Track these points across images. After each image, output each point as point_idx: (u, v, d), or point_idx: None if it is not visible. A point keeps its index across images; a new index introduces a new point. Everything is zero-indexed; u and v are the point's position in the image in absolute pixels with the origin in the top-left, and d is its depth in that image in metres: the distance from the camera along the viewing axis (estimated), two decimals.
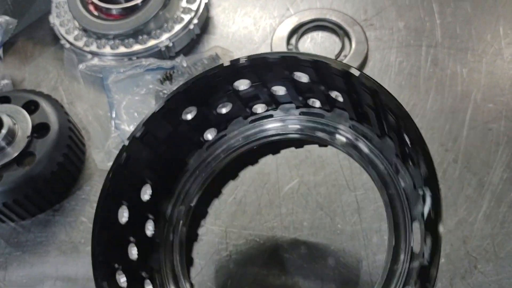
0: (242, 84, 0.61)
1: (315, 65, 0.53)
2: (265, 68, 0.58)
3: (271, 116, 0.66)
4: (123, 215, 0.60)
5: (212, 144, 0.67)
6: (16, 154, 0.74)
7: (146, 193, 0.63)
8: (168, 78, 0.85)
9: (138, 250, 0.60)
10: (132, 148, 0.60)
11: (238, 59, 0.58)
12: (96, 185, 0.83)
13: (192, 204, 0.65)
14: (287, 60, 0.55)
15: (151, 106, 0.84)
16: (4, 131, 0.74)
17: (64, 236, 0.79)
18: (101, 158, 0.80)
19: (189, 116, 0.64)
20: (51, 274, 0.75)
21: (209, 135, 0.67)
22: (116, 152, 0.81)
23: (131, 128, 0.83)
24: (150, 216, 0.63)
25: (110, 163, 0.79)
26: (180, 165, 0.66)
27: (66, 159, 0.79)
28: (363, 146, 0.59)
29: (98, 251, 0.57)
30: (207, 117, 0.64)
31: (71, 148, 0.80)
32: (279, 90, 0.62)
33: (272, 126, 0.66)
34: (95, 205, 0.81)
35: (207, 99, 0.63)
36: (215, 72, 0.59)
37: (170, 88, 0.84)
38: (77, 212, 0.81)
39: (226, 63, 0.58)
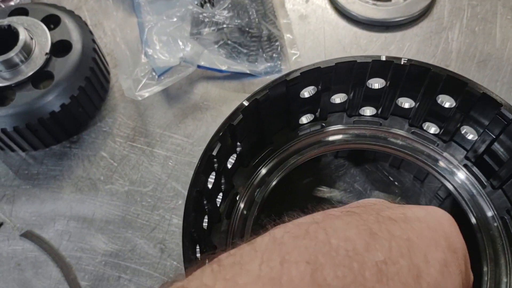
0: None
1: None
2: None
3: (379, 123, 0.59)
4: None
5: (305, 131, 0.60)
6: (31, 73, 0.64)
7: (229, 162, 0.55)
8: (209, 0, 0.73)
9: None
10: (248, 110, 0.51)
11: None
12: (120, 117, 0.73)
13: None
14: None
15: (187, 32, 0.72)
16: (19, 45, 0.63)
17: (82, 171, 0.69)
18: (128, 85, 0.69)
19: (305, 94, 0.56)
20: (64, 212, 0.66)
21: (304, 118, 0.59)
22: (145, 80, 0.71)
23: (163, 56, 0.72)
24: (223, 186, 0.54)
25: (138, 92, 0.69)
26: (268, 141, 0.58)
27: (88, 84, 0.68)
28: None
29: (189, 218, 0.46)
30: (319, 100, 0.55)
31: (94, 72, 0.70)
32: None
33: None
34: (118, 139, 0.72)
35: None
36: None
37: (210, 12, 0.72)
38: (97, 146, 0.71)
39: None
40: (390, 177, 0.66)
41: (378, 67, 0.52)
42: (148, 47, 0.73)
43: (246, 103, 0.49)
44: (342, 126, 0.58)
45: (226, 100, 0.74)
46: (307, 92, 0.55)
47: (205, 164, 0.46)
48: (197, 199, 0.45)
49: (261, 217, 0.60)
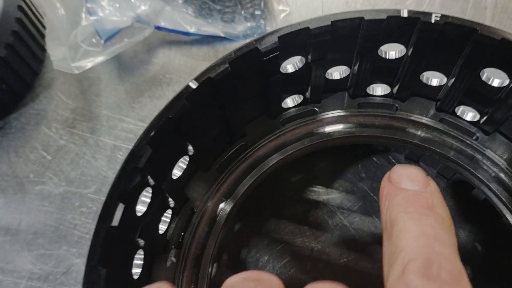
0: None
1: None
2: None
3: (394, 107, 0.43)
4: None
5: (290, 118, 0.43)
6: None
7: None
8: None
9: None
10: (197, 96, 0.34)
11: None
12: (57, 96, 0.56)
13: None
14: None
15: None
16: None
17: (6, 167, 0.53)
18: (63, 54, 0.53)
19: (289, 68, 0.38)
20: None
21: (290, 101, 0.43)
22: (86, 47, 0.54)
23: (111, 14, 0.55)
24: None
25: (76, 63, 0.53)
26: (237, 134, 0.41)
27: (11, 53, 0.52)
28: None
29: None
30: (309, 75, 0.38)
31: (20, 38, 0.53)
32: None
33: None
34: (54, 125, 0.55)
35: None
36: None
37: None
38: (27, 134, 0.55)
39: None
40: None
41: (396, 27, 0.35)
42: (91, 1, 0.55)
43: (193, 85, 0.32)
44: (342, 112, 0.41)
45: (194, 72, 0.57)
46: (291, 65, 0.38)
47: (124, 183, 0.29)
48: (113, 240, 0.29)
49: (228, 239, 0.44)
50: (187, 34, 0.57)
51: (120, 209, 0.29)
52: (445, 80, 0.39)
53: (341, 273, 0.47)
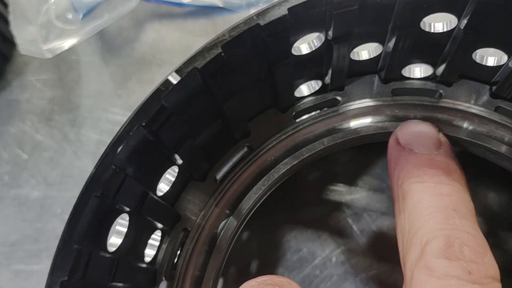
0: None
1: None
2: None
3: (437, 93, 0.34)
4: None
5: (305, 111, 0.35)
6: None
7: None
8: None
9: None
10: (180, 94, 0.26)
11: None
12: (32, 83, 0.48)
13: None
14: None
15: None
16: None
17: None
18: (31, 35, 0.44)
19: (303, 48, 0.30)
20: None
21: (305, 88, 0.35)
22: (60, 25, 0.46)
23: None
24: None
25: (49, 45, 0.45)
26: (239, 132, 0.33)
27: None
28: None
29: None
30: (330, 56, 0.30)
31: None
32: None
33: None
34: (29, 117, 0.47)
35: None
36: None
37: None
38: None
39: None
40: None
41: None
42: None
43: (174, 80, 0.24)
44: (372, 101, 0.33)
45: (190, 50, 0.48)
46: (305, 45, 0.29)
47: (84, 220, 0.22)
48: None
49: (235, 249, 0.36)
50: (180, 5, 0.48)
51: (80, 255, 0.21)
52: (505, 58, 0.30)
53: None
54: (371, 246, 0.42)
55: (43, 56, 0.44)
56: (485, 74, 0.32)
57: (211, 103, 0.27)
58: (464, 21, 0.27)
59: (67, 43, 0.45)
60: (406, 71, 0.33)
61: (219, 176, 0.32)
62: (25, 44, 0.43)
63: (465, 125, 0.32)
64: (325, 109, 0.33)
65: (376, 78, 0.34)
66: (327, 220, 0.42)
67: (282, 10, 0.25)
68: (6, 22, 0.48)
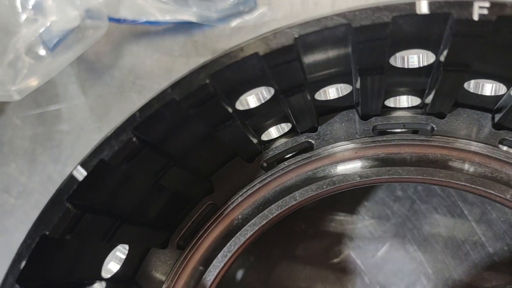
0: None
1: None
2: None
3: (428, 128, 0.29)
4: None
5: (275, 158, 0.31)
6: None
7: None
8: None
9: None
10: (88, 187, 0.23)
11: None
12: (13, 121, 0.46)
13: None
14: None
15: None
16: None
17: None
18: None
19: (251, 101, 0.26)
20: None
21: (274, 131, 0.30)
22: (30, 61, 0.44)
23: (57, 14, 0.43)
24: None
25: (20, 84, 0.42)
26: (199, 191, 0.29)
27: None
28: None
29: None
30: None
31: None
32: None
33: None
34: (13, 160, 0.46)
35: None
36: None
37: None
38: None
39: None
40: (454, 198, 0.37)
41: (411, 30, 0.20)
42: (32, 1, 0.43)
43: (80, 176, 0.20)
44: (349, 144, 0.28)
45: (170, 73, 0.44)
46: (253, 97, 0.24)
47: None
48: None
49: None
50: (155, 23, 0.44)
51: None
52: (504, 89, 0.24)
53: None
54: (379, 284, 0.38)
55: (12, 98, 0.41)
56: (484, 101, 0.26)
57: (143, 184, 0.23)
58: (444, 54, 0.21)
59: (38, 80, 0.42)
60: (391, 102, 0.28)
61: (181, 241, 0.28)
62: None
63: (465, 166, 0.26)
64: (297, 156, 0.29)
65: (354, 114, 0.28)
66: (328, 254, 0.38)
67: (204, 76, 0.20)
68: None
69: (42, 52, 0.43)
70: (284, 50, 0.20)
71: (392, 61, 0.23)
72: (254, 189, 0.29)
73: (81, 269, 0.23)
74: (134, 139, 0.21)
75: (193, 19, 0.42)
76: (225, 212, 0.28)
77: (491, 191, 0.25)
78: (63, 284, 0.23)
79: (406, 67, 0.23)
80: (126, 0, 0.43)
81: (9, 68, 0.42)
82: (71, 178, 0.21)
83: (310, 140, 0.28)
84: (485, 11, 0.18)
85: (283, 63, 0.20)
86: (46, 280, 0.22)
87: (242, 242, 0.27)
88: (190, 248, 0.28)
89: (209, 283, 0.27)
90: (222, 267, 0.27)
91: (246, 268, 0.39)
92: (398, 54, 0.23)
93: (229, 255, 0.27)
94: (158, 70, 0.44)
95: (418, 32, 0.20)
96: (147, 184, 0.24)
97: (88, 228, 0.22)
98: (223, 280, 0.29)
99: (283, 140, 0.29)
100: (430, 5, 0.19)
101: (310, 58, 0.21)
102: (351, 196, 0.39)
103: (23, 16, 0.43)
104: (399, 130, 0.28)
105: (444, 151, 0.27)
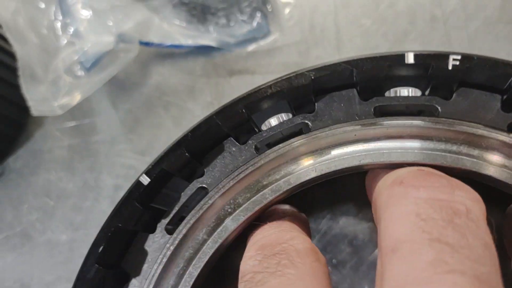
0: None
1: None
2: None
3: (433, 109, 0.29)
4: None
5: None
6: None
7: None
8: None
9: None
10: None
11: None
12: (52, 132, 0.52)
13: None
14: None
15: None
16: None
17: (12, 217, 0.51)
18: (42, 94, 0.47)
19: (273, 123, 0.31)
20: None
21: (274, 120, 0.31)
22: (70, 80, 0.49)
23: (92, 37, 0.48)
24: None
25: (61, 101, 0.48)
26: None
27: None
28: None
29: None
30: None
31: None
32: None
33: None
34: (52, 166, 0.51)
35: None
36: None
37: None
38: (27, 179, 0.51)
39: None
40: None
41: (400, 75, 0.26)
42: (71, 20, 0.49)
43: (145, 181, 0.26)
44: (348, 126, 0.29)
45: (193, 91, 0.50)
46: (275, 120, 0.30)
47: None
48: None
49: None
50: (179, 47, 0.50)
51: None
52: None
53: None
54: None
55: (55, 113, 0.47)
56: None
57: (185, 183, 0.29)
58: (428, 91, 0.27)
59: (77, 98, 0.48)
60: (391, 93, 0.30)
61: (169, 226, 0.30)
62: (37, 105, 0.46)
63: (470, 151, 0.26)
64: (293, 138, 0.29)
65: (354, 93, 0.29)
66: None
67: (239, 107, 0.26)
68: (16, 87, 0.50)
69: (80, 72, 0.49)
70: (303, 87, 0.26)
71: (386, 94, 0.29)
72: (247, 172, 0.29)
73: None
74: (186, 153, 0.26)
75: (213, 44, 0.48)
76: (216, 196, 0.29)
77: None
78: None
79: (398, 95, 0.29)
80: (154, 26, 0.49)
81: (51, 86, 0.48)
82: (138, 183, 0.27)
83: (306, 121, 0.29)
84: (457, 62, 0.24)
85: (302, 96, 0.26)
86: (115, 261, 0.28)
87: (233, 228, 0.28)
88: (177, 233, 0.29)
89: (194, 275, 0.28)
90: (206, 261, 0.29)
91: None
92: (392, 90, 0.29)
93: (220, 241, 0.29)
94: (181, 87, 0.50)
95: (408, 75, 0.26)
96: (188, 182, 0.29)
97: (149, 221, 0.28)
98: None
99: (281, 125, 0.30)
100: (415, 56, 0.25)
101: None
102: (352, 195, 0.43)
103: (64, 41, 0.49)
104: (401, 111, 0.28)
105: (449, 134, 0.27)
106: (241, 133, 0.28)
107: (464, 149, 0.27)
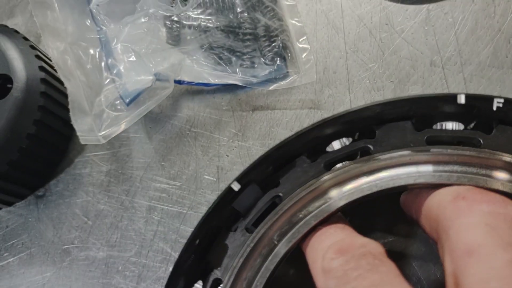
0: None
1: None
2: None
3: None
4: None
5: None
6: None
7: None
8: None
9: None
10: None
11: None
12: (91, 159, 0.58)
13: None
14: None
15: (158, 41, 0.54)
16: None
17: (52, 235, 0.56)
18: (88, 125, 0.53)
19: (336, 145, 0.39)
20: None
21: (336, 144, 0.40)
22: (112, 113, 0.55)
23: (132, 77, 0.55)
24: None
25: (103, 132, 0.54)
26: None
27: (40, 128, 0.54)
28: None
29: None
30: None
31: (47, 110, 0.54)
32: None
33: None
34: (91, 189, 0.57)
35: None
36: None
37: (182, 11, 0.53)
38: (67, 200, 0.57)
39: None
40: None
41: (449, 113, 0.33)
42: (114, 61, 0.56)
43: (235, 187, 0.32)
44: (406, 151, 0.35)
45: (219, 123, 0.56)
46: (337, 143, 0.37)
47: None
48: None
49: None
50: (208, 85, 0.56)
51: None
52: None
53: None
54: None
55: (99, 142, 0.53)
56: None
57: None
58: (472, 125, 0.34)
59: (117, 129, 0.54)
60: (437, 126, 0.37)
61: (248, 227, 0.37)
62: (84, 135, 0.53)
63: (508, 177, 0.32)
64: (355, 157, 0.37)
65: (409, 124, 0.36)
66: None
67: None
68: (65, 108, 0.57)
69: (120, 106, 0.55)
70: (369, 118, 0.32)
71: (434, 126, 0.36)
72: (317, 184, 0.35)
73: None
74: (270, 167, 0.33)
75: (238, 82, 0.55)
76: (290, 203, 0.35)
77: None
78: None
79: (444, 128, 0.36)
80: (186, 66, 0.56)
81: (96, 119, 0.54)
82: (230, 189, 0.33)
83: (368, 145, 0.36)
84: (501, 104, 0.31)
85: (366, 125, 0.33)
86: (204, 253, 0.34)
87: (304, 232, 0.34)
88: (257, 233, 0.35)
89: (272, 266, 0.34)
90: (285, 252, 0.34)
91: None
92: (439, 123, 0.36)
93: (293, 241, 0.34)
94: (209, 120, 0.57)
95: (456, 112, 0.33)
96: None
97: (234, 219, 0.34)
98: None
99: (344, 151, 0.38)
100: (466, 97, 0.32)
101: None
102: (382, 215, 0.47)
103: (107, 79, 0.56)
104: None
105: (490, 162, 0.32)
106: (310, 152, 0.35)
107: (501, 174, 0.33)
